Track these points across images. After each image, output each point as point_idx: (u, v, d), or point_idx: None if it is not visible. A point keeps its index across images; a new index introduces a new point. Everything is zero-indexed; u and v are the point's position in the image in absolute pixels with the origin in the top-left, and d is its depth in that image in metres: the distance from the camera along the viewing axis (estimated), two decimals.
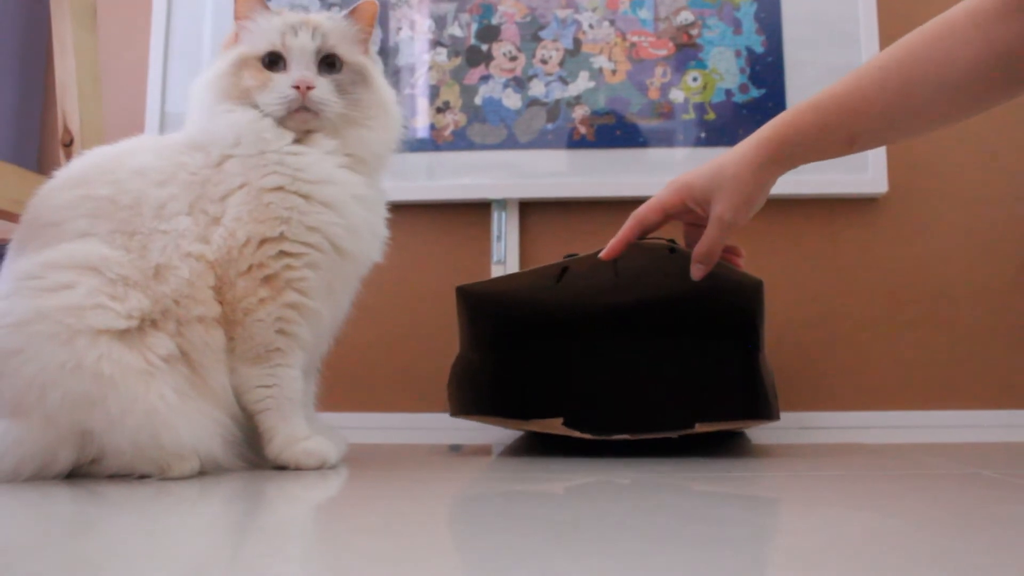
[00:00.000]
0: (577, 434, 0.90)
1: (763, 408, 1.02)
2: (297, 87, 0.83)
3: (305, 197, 0.82)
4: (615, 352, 1.28)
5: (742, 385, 1.19)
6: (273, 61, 0.85)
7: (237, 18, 0.88)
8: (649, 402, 1.24)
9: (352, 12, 0.90)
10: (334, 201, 0.83)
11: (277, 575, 0.41)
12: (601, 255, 0.93)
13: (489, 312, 1.11)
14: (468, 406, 1.05)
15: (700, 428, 0.89)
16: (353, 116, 0.87)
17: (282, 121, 0.84)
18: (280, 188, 0.82)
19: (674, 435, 0.88)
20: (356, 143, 0.87)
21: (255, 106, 0.84)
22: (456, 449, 1.12)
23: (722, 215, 0.88)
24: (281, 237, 0.81)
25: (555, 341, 1.27)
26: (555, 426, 0.93)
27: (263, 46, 0.85)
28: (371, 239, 0.88)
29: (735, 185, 0.87)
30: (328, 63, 0.87)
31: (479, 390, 1.11)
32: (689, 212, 0.93)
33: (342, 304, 0.89)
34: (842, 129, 0.84)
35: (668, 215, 0.93)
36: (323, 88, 0.85)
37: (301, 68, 0.85)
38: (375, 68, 0.92)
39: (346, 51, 0.88)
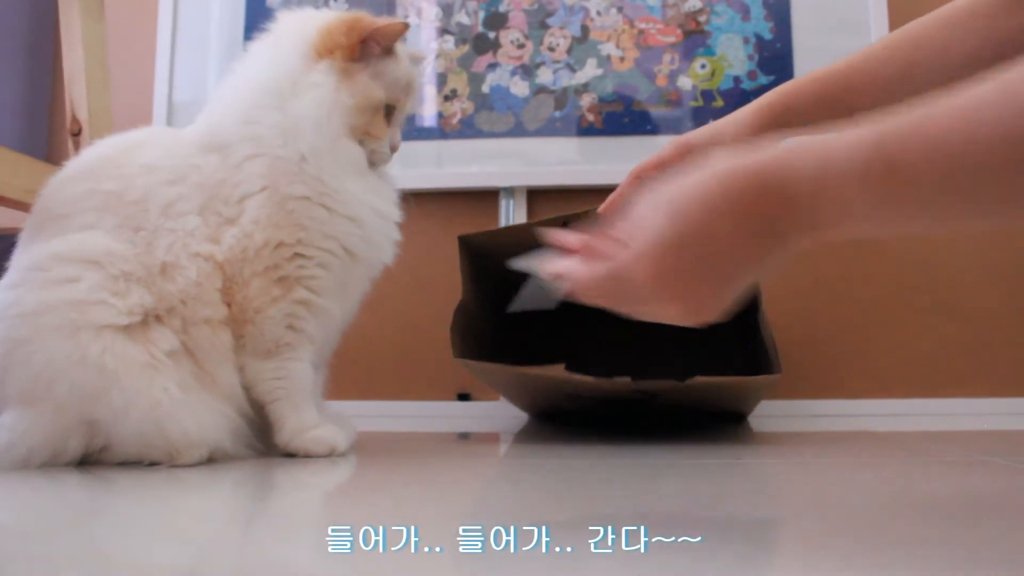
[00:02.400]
0: (578, 377, 0.92)
1: (764, 364, 1.04)
2: (394, 151, 0.89)
3: (328, 209, 0.83)
4: (614, 313, 1.30)
5: (742, 342, 1.21)
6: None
7: (372, 39, 0.85)
8: (650, 362, 1.26)
9: None
10: (356, 215, 0.85)
11: (285, 558, 0.42)
12: (599, 210, 0.97)
13: (490, 264, 1.13)
14: (470, 351, 1.07)
15: (701, 379, 0.91)
16: None
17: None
18: (306, 198, 0.82)
19: (677, 382, 0.91)
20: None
21: (360, 143, 0.86)
22: (465, 437, 1.13)
23: None
24: (298, 243, 0.82)
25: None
26: (557, 371, 0.95)
27: (391, 96, 0.87)
28: (386, 246, 0.89)
29: (733, 147, 0.90)
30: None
31: (481, 338, 1.13)
32: None
33: (352, 303, 0.90)
34: (841, 103, 0.88)
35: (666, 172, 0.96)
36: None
37: (397, 128, 0.89)
38: None
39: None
